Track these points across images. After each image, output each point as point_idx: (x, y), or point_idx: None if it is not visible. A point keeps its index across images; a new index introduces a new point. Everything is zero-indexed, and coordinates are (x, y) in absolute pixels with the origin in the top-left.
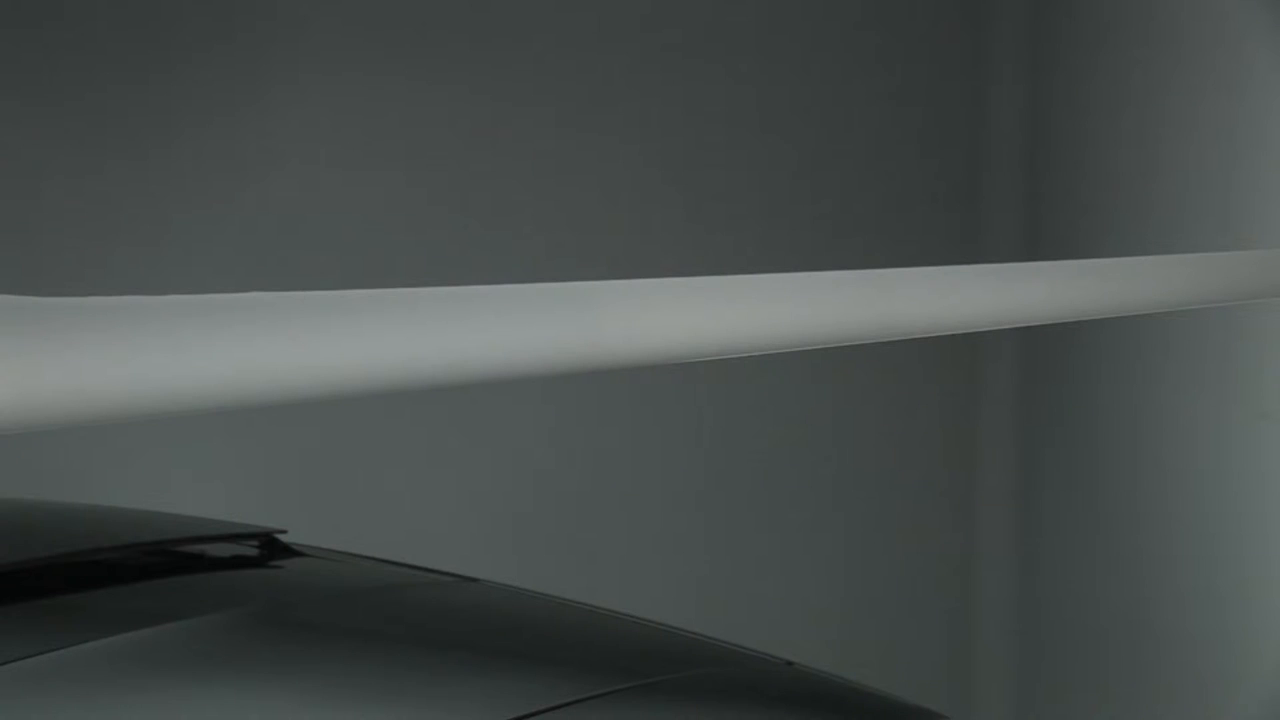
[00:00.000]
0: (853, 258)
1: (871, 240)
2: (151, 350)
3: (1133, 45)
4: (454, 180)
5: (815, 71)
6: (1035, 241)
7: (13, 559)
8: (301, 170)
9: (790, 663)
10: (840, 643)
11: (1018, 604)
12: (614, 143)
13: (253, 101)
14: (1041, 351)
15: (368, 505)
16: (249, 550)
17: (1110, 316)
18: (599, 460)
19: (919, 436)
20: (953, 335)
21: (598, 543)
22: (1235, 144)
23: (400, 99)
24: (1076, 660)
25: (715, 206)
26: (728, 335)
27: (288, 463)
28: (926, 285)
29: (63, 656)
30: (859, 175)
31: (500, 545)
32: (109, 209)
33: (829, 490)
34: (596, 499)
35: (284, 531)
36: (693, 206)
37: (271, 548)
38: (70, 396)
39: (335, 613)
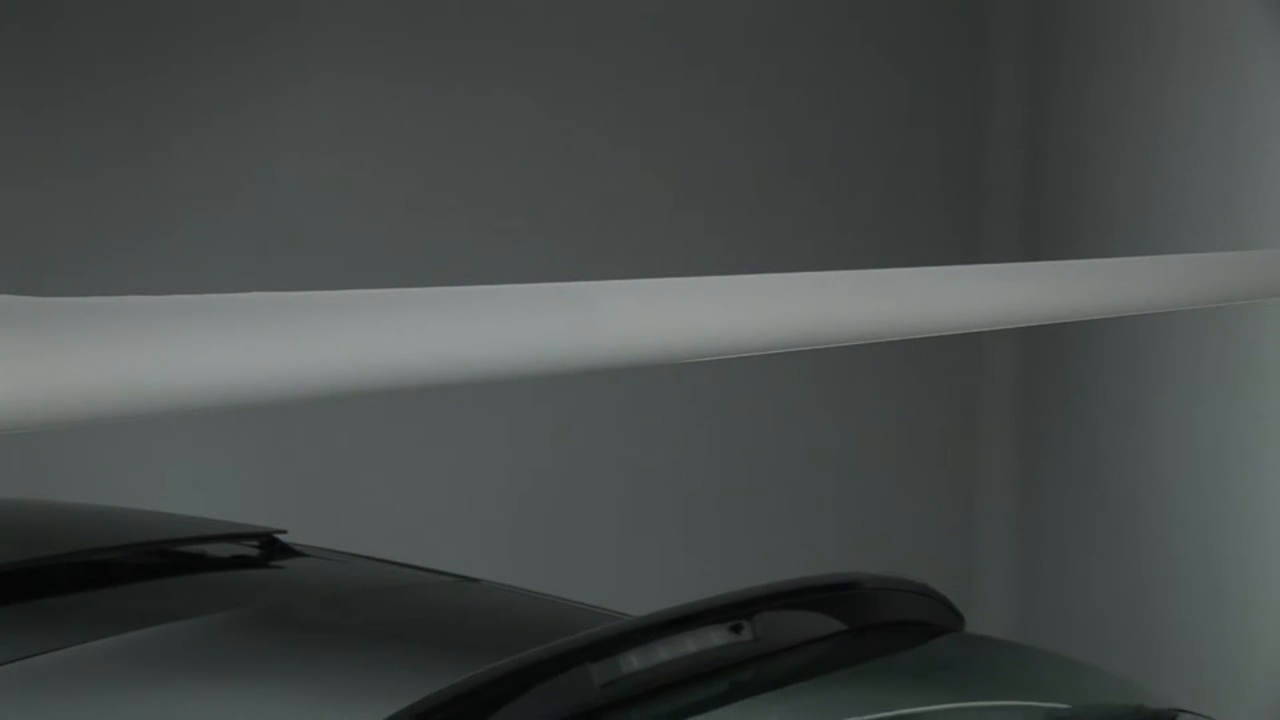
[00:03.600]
0: (853, 258)
1: (871, 240)
2: (151, 350)
3: (1133, 46)
4: (454, 181)
5: (815, 72)
6: (1035, 241)
7: (13, 559)
8: (302, 170)
9: None
10: None
11: (1018, 604)
12: (615, 143)
13: (253, 102)
14: (1041, 351)
15: (368, 505)
16: (249, 550)
17: (1110, 316)
18: (598, 460)
19: (919, 436)
20: (953, 335)
21: (598, 543)
22: (1235, 144)
23: (400, 100)
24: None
25: (715, 206)
26: (728, 335)
27: (288, 463)
28: (926, 285)
29: (63, 656)
30: (859, 175)
31: (500, 545)
32: (109, 209)
33: (829, 490)
34: (596, 499)
35: (284, 531)
36: (692, 207)
37: (271, 548)
38: (70, 396)
39: (335, 613)
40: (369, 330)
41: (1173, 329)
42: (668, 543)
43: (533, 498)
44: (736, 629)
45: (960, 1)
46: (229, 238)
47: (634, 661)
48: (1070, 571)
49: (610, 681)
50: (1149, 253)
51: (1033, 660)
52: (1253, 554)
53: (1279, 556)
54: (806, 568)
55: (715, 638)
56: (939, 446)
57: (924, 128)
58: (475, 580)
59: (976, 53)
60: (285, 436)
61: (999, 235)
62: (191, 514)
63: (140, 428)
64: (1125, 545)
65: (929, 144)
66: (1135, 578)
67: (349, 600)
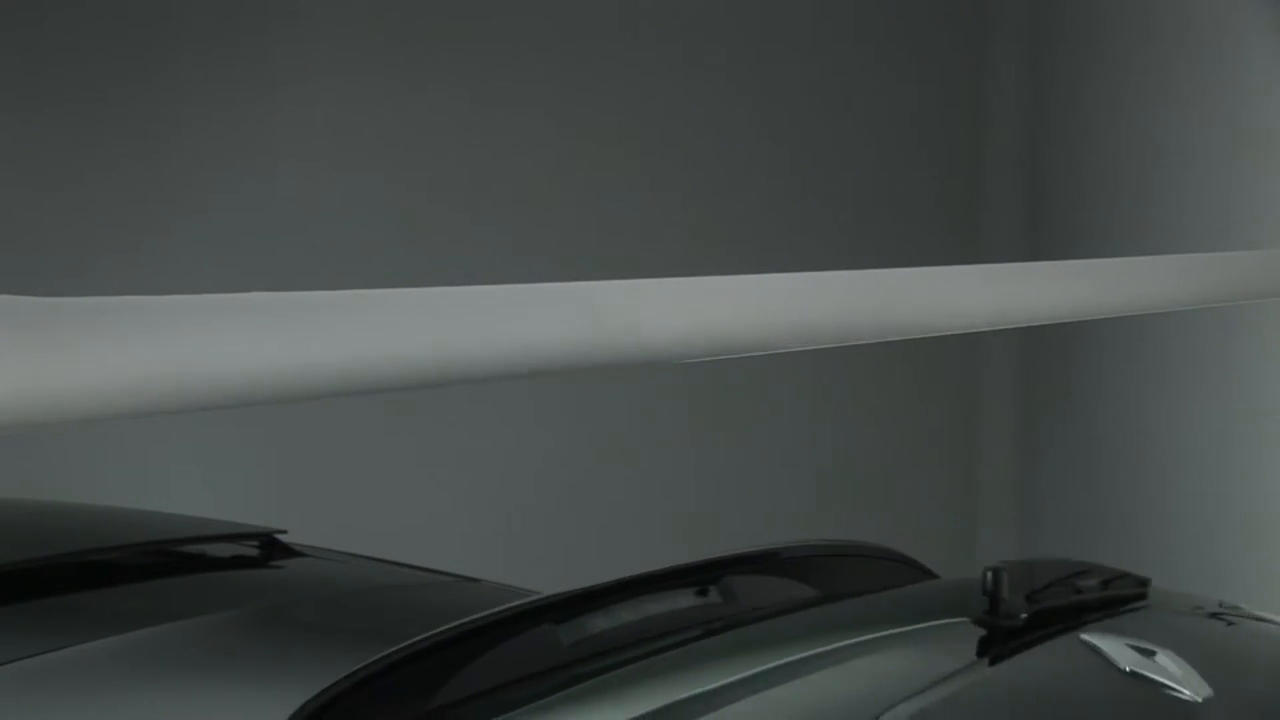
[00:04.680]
0: (853, 258)
1: (872, 240)
2: (151, 350)
3: (1133, 45)
4: (455, 181)
5: (815, 73)
6: (1035, 241)
7: (13, 559)
8: (302, 170)
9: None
10: None
11: None
12: (615, 143)
13: (253, 102)
14: (1041, 351)
15: (368, 505)
16: (249, 550)
17: (1110, 316)
18: (598, 460)
19: (919, 435)
20: (953, 335)
21: (598, 543)
22: (1235, 144)
23: (401, 100)
24: None
25: (716, 206)
26: (728, 335)
27: (288, 463)
28: (926, 285)
29: (63, 656)
30: (859, 175)
31: (500, 545)
32: (109, 209)
33: (828, 489)
34: (596, 499)
35: (284, 531)
36: (693, 207)
37: (271, 548)
38: (70, 396)
39: (335, 613)
40: (369, 330)
41: (1172, 329)
42: (668, 543)
43: (533, 498)
44: (701, 593)
45: (960, 2)
46: (229, 238)
47: (565, 633)
48: None
49: (549, 649)
50: (1149, 253)
51: None
52: (1253, 554)
53: (1279, 556)
54: None
55: (672, 602)
56: (939, 446)
57: (924, 129)
58: (475, 580)
59: (976, 53)
60: (285, 436)
61: (999, 235)
62: (193, 514)
63: (142, 427)
64: (1125, 545)
65: (929, 145)
66: None
67: (349, 600)
